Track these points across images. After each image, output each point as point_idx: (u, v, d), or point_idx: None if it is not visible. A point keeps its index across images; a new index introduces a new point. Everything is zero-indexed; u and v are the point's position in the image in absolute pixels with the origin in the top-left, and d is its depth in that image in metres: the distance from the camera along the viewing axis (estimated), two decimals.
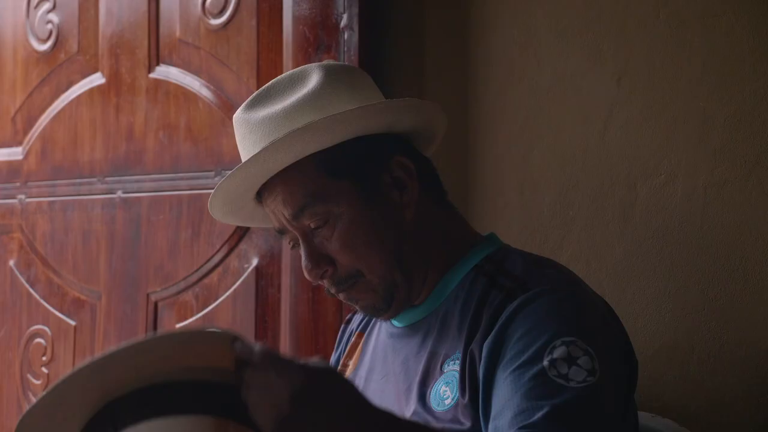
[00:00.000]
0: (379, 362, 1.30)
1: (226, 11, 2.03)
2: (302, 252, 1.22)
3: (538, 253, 1.29)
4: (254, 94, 1.24)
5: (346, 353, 1.39)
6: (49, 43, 2.36)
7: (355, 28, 1.83)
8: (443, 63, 1.84)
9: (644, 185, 1.63)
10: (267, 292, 1.97)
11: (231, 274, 2.03)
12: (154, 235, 2.14)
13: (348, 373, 1.35)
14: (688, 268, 1.59)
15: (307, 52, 1.90)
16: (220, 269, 2.04)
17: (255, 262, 1.99)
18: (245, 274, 2.00)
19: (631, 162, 1.64)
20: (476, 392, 1.12)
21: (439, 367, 1.18)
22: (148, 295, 2.15)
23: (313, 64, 1.25)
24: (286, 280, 1.93)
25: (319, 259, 1.21)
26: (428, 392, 1.17)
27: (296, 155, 1.18)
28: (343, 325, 1.46)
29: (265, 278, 1.97)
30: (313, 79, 1.21)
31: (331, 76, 1.21)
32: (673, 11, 1.61)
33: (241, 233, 2.01)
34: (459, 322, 1.18)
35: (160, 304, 2.14)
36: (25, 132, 2.42)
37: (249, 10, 2.00)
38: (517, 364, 1.07)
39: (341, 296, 1.24)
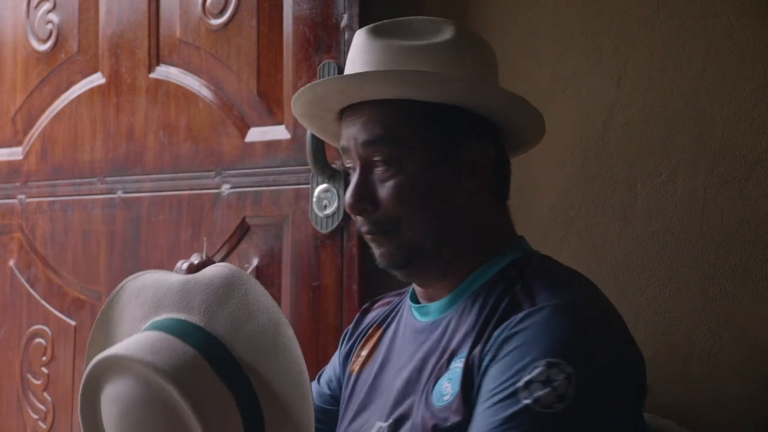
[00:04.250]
0: (396, 354, 1.30)
1: (226, 11, 2.03)
2: (352, 181, 1.23)
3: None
4: (382, 23, 1.25)
5: (361, 344, 1.39)
6: (49, 43, 2.36)
7: (355, 28, 1.82)
8: None
9: (644, 185, 1.63)
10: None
11: None
12: (154, 235, 2.14)
13: (360, 363, 1.36)
14: (688, 268, 1.59)
15: (308, 52, 1.90)
16: None
17: (255, 262, 1.99)
18: None
19: (631, 162, 1.65)
20: (472, 395, 1.13)
21: (447, 363, 1.18)
22: None
23: (453, 22, 1.25)
24: (286, 280, 1.93)
25: (365, 196, 1.21)
26: (434, 387, 1.18)
27: (398, 93, 1.19)
28: (359, 314, 1.46)
29: (265, 278, 1.97)
30: (446, 33, 1.22)
31: (464, 41, 1.22)
32: (673, 11, 1.61)
33: (241, 233, 2.01)
34: (474, 320, 1.18)
35: None
36: (25, 132, 2.42)
37: (249, 10, 2.00)
38: (498, 382, 1.09)
39: (368, 238, 1.25)
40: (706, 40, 1.58)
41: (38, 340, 2.36)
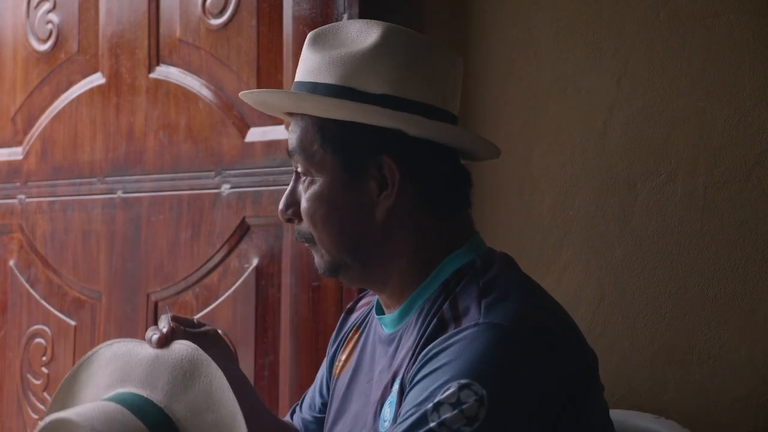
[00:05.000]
0: (366, 362, 1.27)
1: (226, 11, 2.03)
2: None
3: (535, 256, 1.24)
4: (322, 29, 1.22)
5: (342, 347, 1.36)
6: (49, 43, 2.36)
7: None
8: None
9: (644, 185, 1.63)
10: (267, 292, 1.97)
11: (231, 274, 2.03)
12: (154, 235, 2.14)
13: (339, 368, 1.33)
14: (688, 268, 1.59)
15: None
16: (220, 269, 2.04)
17: (255, 262, 1.99)
18: (245, 274, 2.00)
19: (631, 162, 1.65)
20: None
21: (391, 384, 1.15)
22: (148, 295, 2.15)
23: (386, 25, 1.19)
24: (286, 280, 1.93)
25: (291, 204, 1.21)
26: (381, 410, 1.16)
27: (302, 110, 1.19)
28: (344, 314, 1.42)
29: (265, 278, 1.97)
30: (369, 40, 1.17)
31: (385, 46, 1.16)
32: (673, 11, 1.61)
33: (241, 233, 2.01)
34: (414, 340, 1.14)
35: (160, 304, 2.14)
36: (25, 132, 2.42)
37: (249, 10, 2.00)
38: (412, 404, 1.05)
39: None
40: (706, 40, 1.58)
41: (38, 340, 2.36)
